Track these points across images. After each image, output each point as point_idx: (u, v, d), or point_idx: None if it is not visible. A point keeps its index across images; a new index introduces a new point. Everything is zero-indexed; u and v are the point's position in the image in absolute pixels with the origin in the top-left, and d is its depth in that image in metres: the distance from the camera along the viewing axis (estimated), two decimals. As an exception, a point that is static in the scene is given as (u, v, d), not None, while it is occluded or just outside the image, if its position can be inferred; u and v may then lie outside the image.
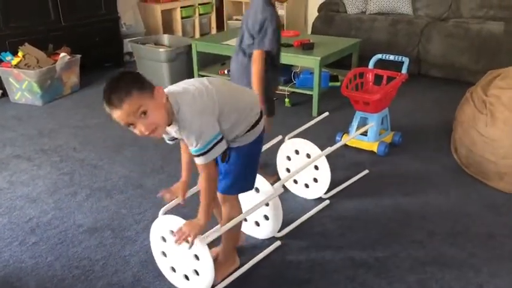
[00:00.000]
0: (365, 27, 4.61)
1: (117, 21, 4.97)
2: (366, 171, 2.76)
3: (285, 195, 2.53)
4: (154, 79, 4.68)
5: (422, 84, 4.27)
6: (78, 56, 4.25)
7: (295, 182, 2.56)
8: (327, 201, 2.47)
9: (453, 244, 2.13)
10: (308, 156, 2.46)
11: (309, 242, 2.18)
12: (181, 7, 5.71)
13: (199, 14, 6.00)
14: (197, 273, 1.75)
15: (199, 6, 5.95)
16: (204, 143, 1.55)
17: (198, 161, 1.61)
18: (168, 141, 1.75)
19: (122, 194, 2.58)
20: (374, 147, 2.97)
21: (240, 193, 1.86)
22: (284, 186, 2.57)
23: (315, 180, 2.48)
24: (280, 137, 2.48)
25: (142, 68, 4.29)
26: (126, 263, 2.04)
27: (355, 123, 3.01)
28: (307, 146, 2.45)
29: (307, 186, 2.53)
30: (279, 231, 2.18)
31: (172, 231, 1.73)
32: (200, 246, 1.67)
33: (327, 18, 4.87)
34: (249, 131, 1.73)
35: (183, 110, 1.52)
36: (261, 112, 1.79)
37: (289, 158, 2.54)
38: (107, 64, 4.97)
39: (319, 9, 5.15)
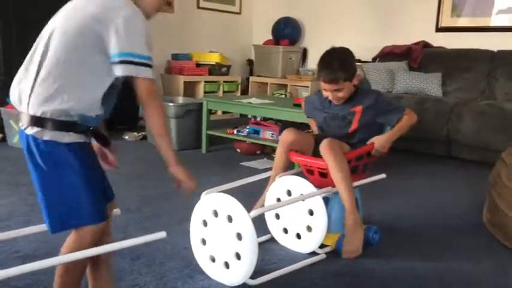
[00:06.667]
0: (380, 91, 4.30)
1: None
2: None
3: (271, 245, 2.08)
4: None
5: (451, 167, 3.81)
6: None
7: (285, 231, 2.11)
8: (323, 255, 1.98)
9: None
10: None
11: (289, 295, 1.68)
12: (205, 81, 5.66)
13: (224, 91, 5.93)
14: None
15: (224, 83, 5.91)
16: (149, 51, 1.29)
17: (148, 73, 1.28)
18: None
19: (81, 227, 2.18)
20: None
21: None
22: (272, 237, 2.15)
23: (309, 228, 2.02)
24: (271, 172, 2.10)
25: (151, 126, 4.08)
26: (50, 293, 1.60)
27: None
28: (302, 185, 2.04)
29: (299, 236, 2.06)
30: (254, 277, 1.70)
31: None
32: None
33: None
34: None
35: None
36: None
37: (279, 201, 2.12)
38: (120, 126, 4.82)
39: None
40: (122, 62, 1.25)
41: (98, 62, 1.27)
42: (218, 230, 1.72)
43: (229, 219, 1.68)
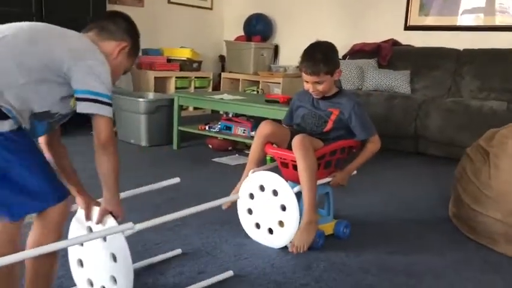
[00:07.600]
0: (360, 101, 4.38)
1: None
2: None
3: (243, 240, 2.09)
4: (132, 133, 4.19)
5: (419, 163, 3.91)
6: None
7: (258, 226, 2.12)
8: (294, 250, 2.01)
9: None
10: (275, 193, 2.05)
11: (261, 289, 1.69)
12: (176, 77, 5.61)
13: (195, 87, 5.89)
14: None
15: (195, 79, 5.87)
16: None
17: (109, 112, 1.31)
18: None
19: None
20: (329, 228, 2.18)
21: None
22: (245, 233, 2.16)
23: (281, 223, 2.04)
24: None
25: (121, 121, 4.02)
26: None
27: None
28: (275, 181, 2.04)
29: (271, 231, 2.07)
30: (226, 271, 1.70)
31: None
32: None
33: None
34: None
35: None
36: None
37: (252, 196, 2.13)
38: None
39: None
40: (85, 100, 1.27)
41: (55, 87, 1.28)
42: (93, 250, 1.49)
43: (104, 239, 1.45)
